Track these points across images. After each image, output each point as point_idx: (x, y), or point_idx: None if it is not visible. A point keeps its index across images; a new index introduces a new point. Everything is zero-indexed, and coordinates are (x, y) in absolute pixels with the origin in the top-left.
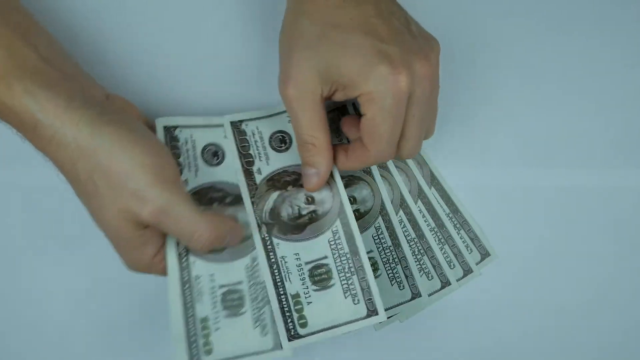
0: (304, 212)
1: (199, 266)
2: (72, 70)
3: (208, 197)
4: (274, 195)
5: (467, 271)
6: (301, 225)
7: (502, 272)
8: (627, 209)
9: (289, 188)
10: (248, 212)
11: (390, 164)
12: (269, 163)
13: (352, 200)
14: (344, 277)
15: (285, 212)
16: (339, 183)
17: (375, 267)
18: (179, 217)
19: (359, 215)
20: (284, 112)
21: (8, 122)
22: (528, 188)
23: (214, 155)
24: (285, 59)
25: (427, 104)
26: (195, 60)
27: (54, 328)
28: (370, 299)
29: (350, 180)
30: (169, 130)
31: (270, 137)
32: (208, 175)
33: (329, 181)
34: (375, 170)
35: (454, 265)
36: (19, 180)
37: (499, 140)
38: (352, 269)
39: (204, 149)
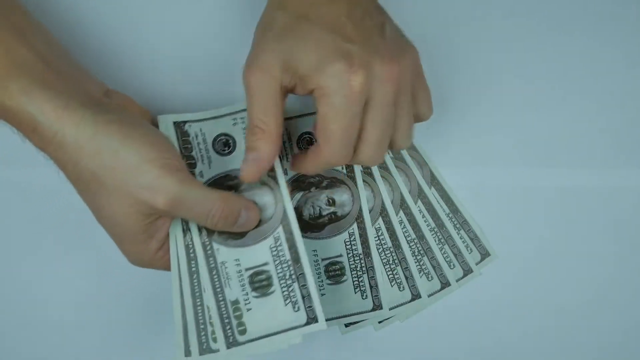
0: (324, 213)
1: (223, 253)
2: (70, 68)
3: (225, 186)
4: (298, 195)
5: (467, 271)
6: (321, 225)
7: (502, 272)
8: (627, 209)
9: (312, 189)
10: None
11: (390, 165)
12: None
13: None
14: (355, 276)
15: (307, 212)
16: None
17: None
18: (192, 200)
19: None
20: (313, 113)
21: (7, 122)
22: (528, 188)
23: (225, 145)
24: (254, 46)
25: (391, 110)
26: (193, 58)
27: (54, 329)
28: (377, 295)
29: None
30: (179, 125)
31: (299, 138)
32: (222, 165)
33: (350, 186)
34: (375, 170)
35: (453, 265)
36: (19, 180)
37: (499, 140)
38: (364, 269)
39: (214, 140)
